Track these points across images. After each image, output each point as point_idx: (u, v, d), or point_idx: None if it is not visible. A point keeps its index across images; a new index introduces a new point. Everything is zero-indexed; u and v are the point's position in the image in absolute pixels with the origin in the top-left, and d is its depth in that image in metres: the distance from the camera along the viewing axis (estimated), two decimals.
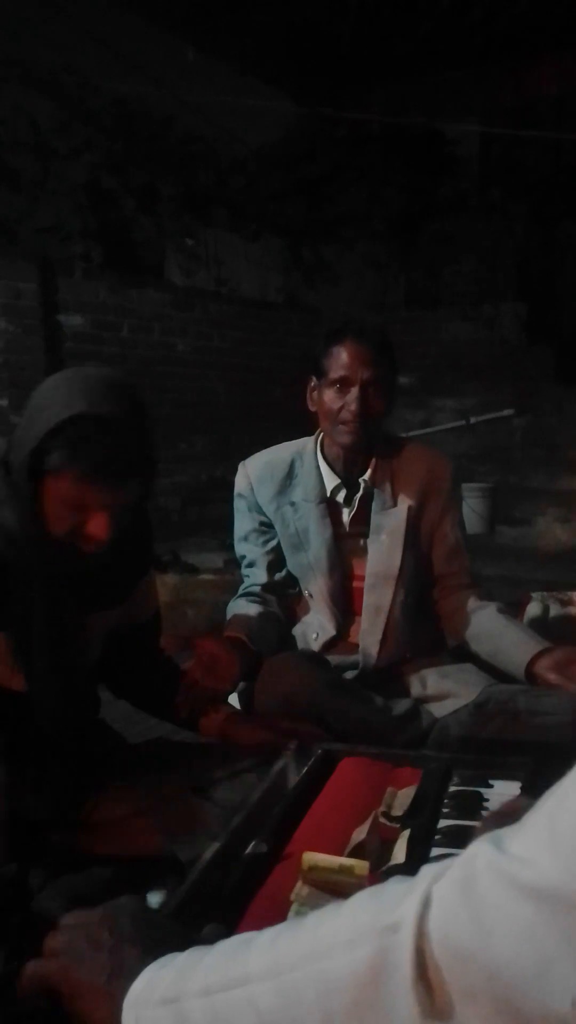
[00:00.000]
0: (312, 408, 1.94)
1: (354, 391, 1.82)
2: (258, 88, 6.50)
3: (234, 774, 1.41)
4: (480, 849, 0.51)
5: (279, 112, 6.62)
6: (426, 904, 0.51)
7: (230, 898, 0.97)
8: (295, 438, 2.05)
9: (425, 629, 1.99)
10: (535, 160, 6.88)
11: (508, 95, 6.92)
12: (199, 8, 5.60)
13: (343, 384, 1.83)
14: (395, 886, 0.56)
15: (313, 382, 1.92)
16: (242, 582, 2.04)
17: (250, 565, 2.01)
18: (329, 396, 1.85)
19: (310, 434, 2.03)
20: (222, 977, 0.58)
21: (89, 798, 1.37)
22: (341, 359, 1.83)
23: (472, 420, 6.51)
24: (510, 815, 0.91)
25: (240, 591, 2.01)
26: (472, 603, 1.94)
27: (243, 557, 2.04)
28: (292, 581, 1.99)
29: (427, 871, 0.54)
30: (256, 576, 1.99)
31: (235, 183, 6.44)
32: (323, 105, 6.59)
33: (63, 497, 1.21)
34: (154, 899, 0.98)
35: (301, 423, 2.11)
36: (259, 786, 1.23)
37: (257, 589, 1.98)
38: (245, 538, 2.02)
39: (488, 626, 1.89)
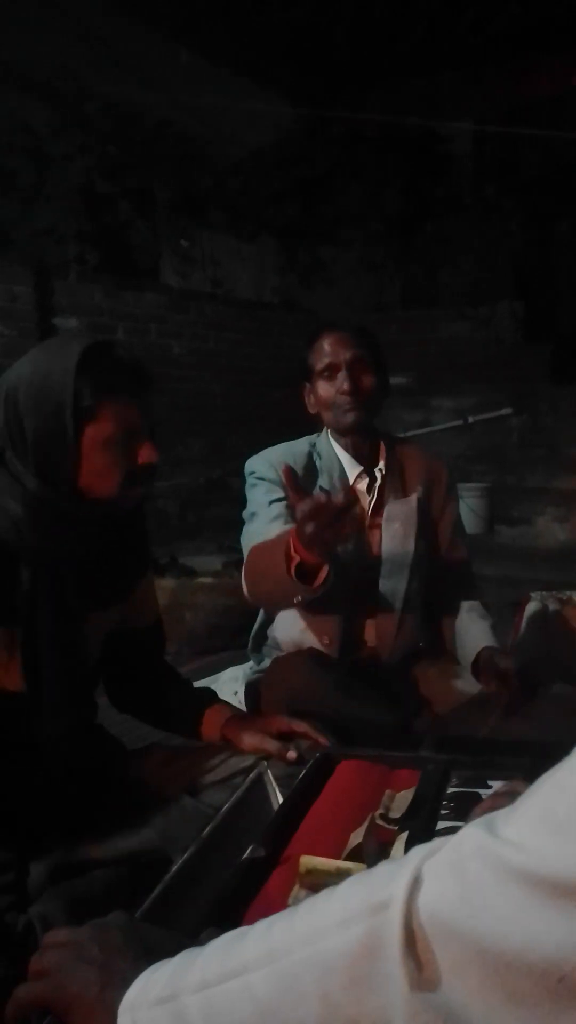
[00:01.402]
0: (312, 411, 1.98)
1: (342, 374, 1.88)
2: (253, 90, 6.50)
3: (227, 777, 1.40)
4: (472, 831, 0.52)
5: (274, 114, 6.62)
6: (416, 882, 0.52)
7: (227, 902, 0.96)
8: (294, 440, 2.06)
9: (433, 620, 2.02)
10: (531, 159, 6.88)
11: (503, 95, 6.92)
12: (194, 11, 5.60)
13: (330, 371, 1.89)
14: (385, 867, 0.56)
15: (307, 386, 1.97)
16: (240, 584, 1.93)
17: (277, 518, 1.84)
18: (322, 387, 1.91)
19: (310, 435, 2.04)
20: (218, 970, 0.58)
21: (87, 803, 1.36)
22: (323, 349, 1.91)
23: (470, 419, 6.51)
24: (507, 796, 0.91)
25: (255, 524, 1.85)
26: (464, 603, 1.97)
27: (264, 515, 1.86)
28: None
29: (417, 851, 0.54)
30: (277, 529, 1.80)
31: (231, 185, 6.45)
32: (318, 106, 6.59)
33: (108, 437, 1.23)
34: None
35: (299, 426, 2.11)
36: (232, 796, 1.22)
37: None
38: (268, 504, 1.87)
39: (460, 621, 1.97)
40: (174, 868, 1.01)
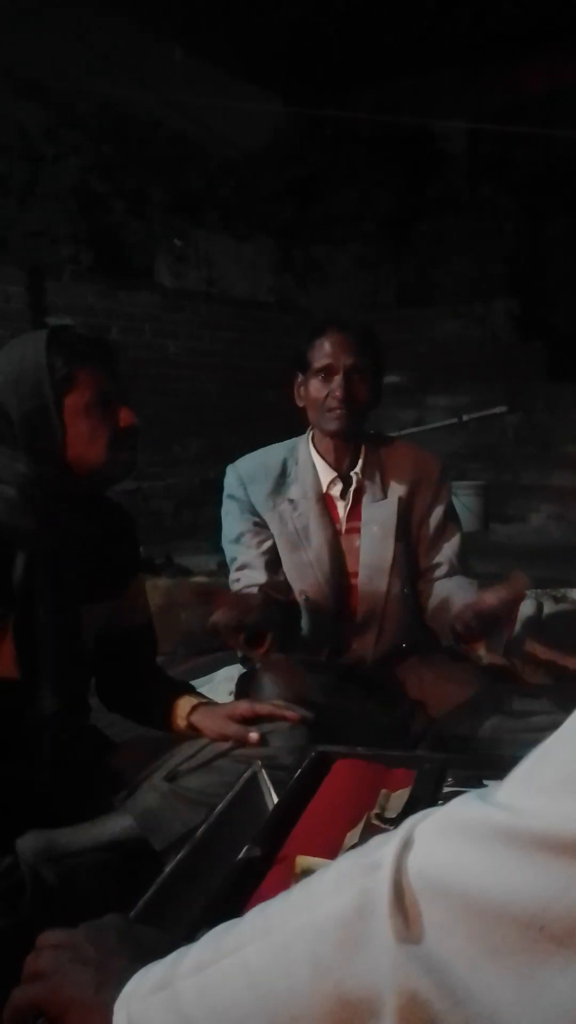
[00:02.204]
0: (300, 403, 1.97)
1: (338, 378, 1.87)
2: (247, 90, 6.49)
3: (207, 762, 1.41)
4: (464, 797, 0.54)
5: (268, 113, 6.62)
6: (407, 843, 0.53)
7: (223, 902, 0.96)
8: (288, 439, 2.06)
9: (419, 622, 2.00)
10: (525, 157, 6.89)
11: (498, 93, 6.92)
12: (187, 10, 5.59)
13: (327, 372, 1.88)
14: (378, 837, 0.58)
15: (299, 378, 1.96)
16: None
17: (243, 568, 1.97)
18: (314, 386, 1.90)
19: (300, 437, 2.04)
20: (213, 952, 0.59)
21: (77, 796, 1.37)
22: (324, 349, 1.89)
23: (465, 418, 6.52)
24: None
25: (236, 550, 1.98)
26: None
27: (233, 560, 2.00)
28: (287, 585, 1.97)
29: (410, 819, 0.56)
30: (252, 577, 1.95)
31: (225, 184, 6.44)
32: (313, 106, 6.59)
33: (87, 402, 1.32)
34: None
35: (294, 424, 2.11)
36: (225, 796, 1.22)
37: (255, 590, 1.93)
38: (237, 540, 1.98)
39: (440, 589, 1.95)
40: (168, 868, 1.01)
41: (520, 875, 0.46)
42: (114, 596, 1.49)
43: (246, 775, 1.27)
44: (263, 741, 1.45)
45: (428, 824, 0.54)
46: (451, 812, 0.53)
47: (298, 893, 0.59)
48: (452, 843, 0.51)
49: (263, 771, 1.29)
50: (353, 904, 0.53)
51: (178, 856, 1.04)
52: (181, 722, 1.53)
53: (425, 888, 0.51)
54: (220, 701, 2.46)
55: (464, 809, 0.52)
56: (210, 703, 1.56)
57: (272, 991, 0.54)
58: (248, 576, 1.96)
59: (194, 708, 1.53)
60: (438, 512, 1.99)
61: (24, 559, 1.31)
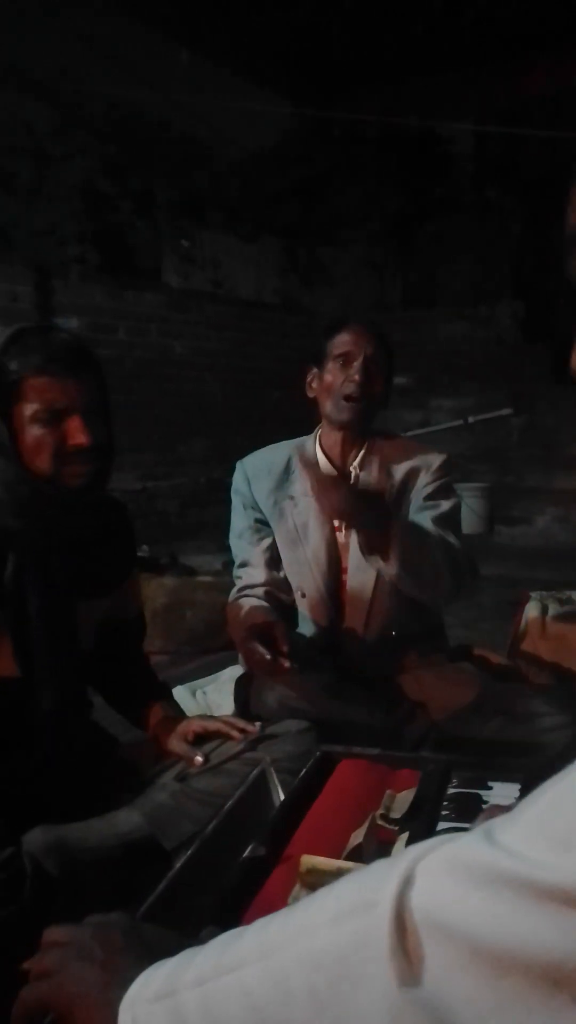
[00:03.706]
0: (311, 395, 1.98)
1: (357, 364, 1.88)
2: (253, 90, 6.49)
3: (217, 765, 1.42)
4: (469, 836, 0.52)
5: (274, 114, 6.62)
6: (408, 880, 0.51)
7: (228, 901, 0.97)
8: (296, 438, 2.07)
9: (413, 617, 1.97)
10: (530, 159, 6.88)
11: (502, 95, 6.92)
12: (194, 11, 5.60)
13: (346, 359, 1.89)
14: (379, 865, 0.56)
15: (313, 371, 1.97)
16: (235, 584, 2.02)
17: (244, 564, 2.00)
18: (332, 371, 1.91)
19: (308, 435, 2.04)
20: (215, 966, 0.59)
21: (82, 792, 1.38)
22: (344, 338, 1.91)
23: (470, 419, 6.51)
24: (504, 807, 0.92)
25: (235, 591, 2.00)
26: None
27: (236, 556, 2.04)
28: (288, 584, 1.98)
29: (411, 850, 0.54)
30: (252, 576, 1.98)
31: (231, 185, 6.45)
32: (318, 106, 6.59)
33: (32, 414, 1.26)
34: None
35: (299, 425, 2.12)
36: (234, 794, 1.23)
37: (260, 591, 1.95)
38: (240, 535, 2.02)
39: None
40: (179, 864, 1.02)
41: (534, 926, 0.45)
42: (111, 592, 1.50)
43: (255, 773, 1.28)
44: (266, 739, 1.45)
45: (432, 862, 0.52)
46: (457, 851, 0.51)
47: (299, 915, 0.58)
48: (460, 885, 0.49)
49: (271, 769, 1.29)
50: (351, 940, 0.52)
51: (188, 852, 1.05)
52: (150, 730, 1.56)
53: (431, 929, 0.49)
54: (225, 700, 2.47)
55: (471, 850, 0.50)
56: (173, 718, 1.56)
57: (271, 1017, 0.54)
58: (248, 574, 1.98)
59: (158, 721, 1.54)
60: (435, 509, 1.93)
61: (14, 558, 1.31)
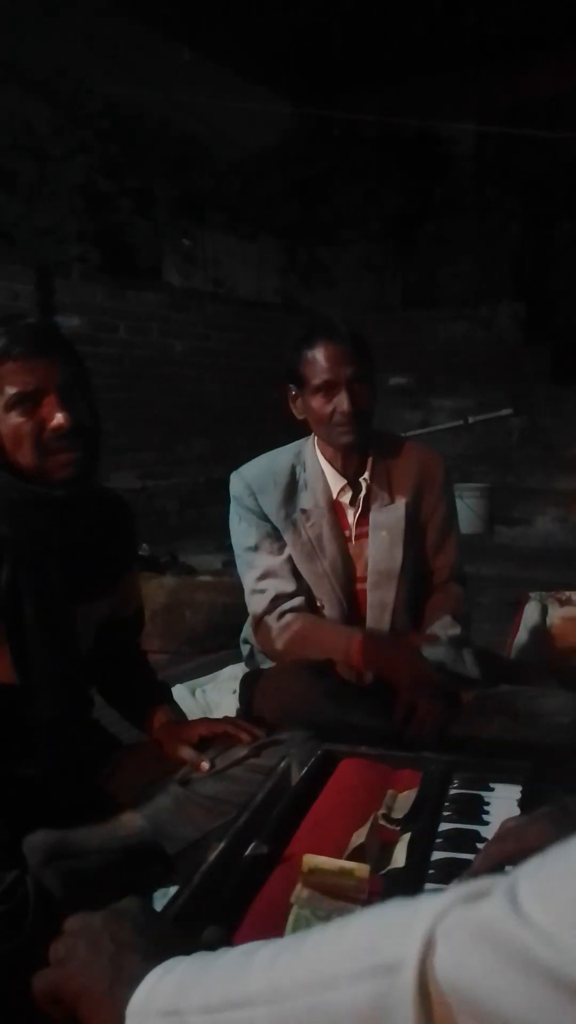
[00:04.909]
0: (299, 416, 1.91)
1: (342, 394, 1.78)
2: (254, 90, 6.50)
3: (221, 770, 1.41)
4: (491, 901, 0.50)
5: (275, 114, 6.62)
6: (429, 944, 0.50)
7: (230, 900, 0.97)
8: (294, 439, 2.03)
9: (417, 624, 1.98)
10: (531, 159, 6.89)
11: (503, 95, 6.92)
12: (194, 11, 5.60)
13: (328, 388, 1.79)
14: (396, 911, 0.55)
15: (293, 391, 1.88)
16: (245, 589, 1.95)
17: (267, 576, 1.90)
18: (317, 402, 1.81)
19: (303, 439, 2.01)
20: (223, 996, 0.58)
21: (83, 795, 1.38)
22: (320, 363, 1.79)
23: (470, 420, 6.51)
24: (504, 840, 0.91)
25: (267, 602, 1.89)
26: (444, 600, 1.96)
27: (252, 567, 1.92)
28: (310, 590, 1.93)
29: (429, 907, 0.52)
30: (281, 586, 1.89)
31: (231, 185, 6.45)
32: (319, 107, 6.60)
33: (7, 401, 1.22)
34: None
35: (298, 425, 2.10)
36: (263, 786, 1.23)
37: (296, 602, 1.88)
38: (256, 547, 1.91)
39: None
40: (212, 857, 1.02)
41: (568, 1021, 0.44)
42: (111, 591, 1.49)
43: (280, 767, 1.28)
44: (274, 742, 1.44)
45: (454, 927, 0.50)
46: (482, 920, 0.49)
47: (310, 959, 0.56)
48: (487, 961, 0.47)
49: (294, 765, 1.29)
50: (370, 1002, 0.51)
51: (220, 845, 1.04)
52: (154, 735, 1.54)
53: (460, 1004, 0.48)
54: (224, 699, 2.47)
55: (498, 921, 0.48)
56: (176, 722, 1.55)
57: None
58: (276, 585, 1.89)
59: (161, 725, 1.53)
60: (441, 515, 1.97)
61: (8, 566, 1.28)
